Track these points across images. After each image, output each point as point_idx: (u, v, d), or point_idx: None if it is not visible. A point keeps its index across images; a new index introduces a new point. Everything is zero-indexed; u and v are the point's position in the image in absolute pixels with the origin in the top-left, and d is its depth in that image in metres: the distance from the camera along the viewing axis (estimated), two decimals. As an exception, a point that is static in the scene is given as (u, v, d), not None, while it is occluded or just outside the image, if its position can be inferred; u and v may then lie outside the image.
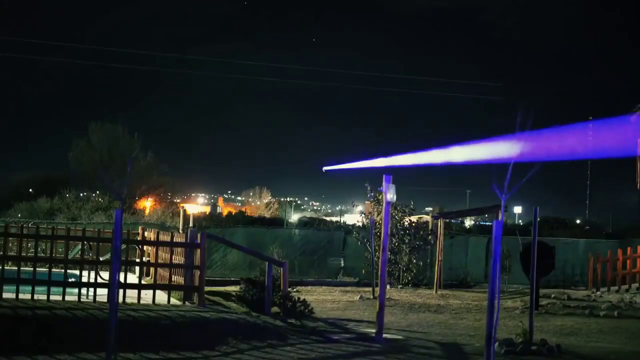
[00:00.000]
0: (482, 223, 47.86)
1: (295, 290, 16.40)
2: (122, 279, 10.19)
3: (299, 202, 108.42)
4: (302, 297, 12.45)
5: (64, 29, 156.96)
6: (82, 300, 10.09)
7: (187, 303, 10.80)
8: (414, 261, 20.14)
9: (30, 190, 40.22)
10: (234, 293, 13.48)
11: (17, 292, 9.80)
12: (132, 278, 11.42)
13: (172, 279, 11.34)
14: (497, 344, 9.28)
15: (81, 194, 37.08)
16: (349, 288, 19.15)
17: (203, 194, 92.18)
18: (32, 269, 10.22)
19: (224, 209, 73.04)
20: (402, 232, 20.12)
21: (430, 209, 50.20)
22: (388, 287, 17.73)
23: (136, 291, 10.48)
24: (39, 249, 11.95)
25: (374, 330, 10.38)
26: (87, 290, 10.46)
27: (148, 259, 13.21)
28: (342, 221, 48.68)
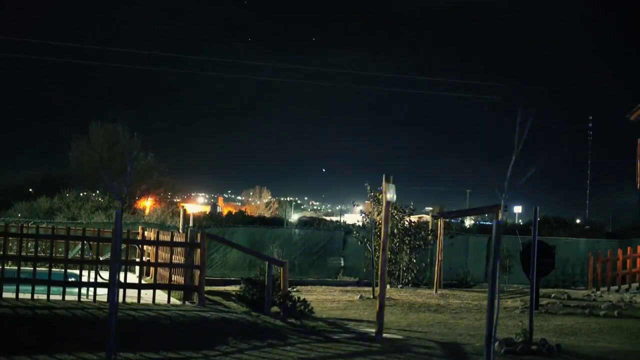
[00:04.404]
0: (482, 223, 47.86)
1: (295, 289, 16.40)
2: (122, 279, 10.20)
3: (299, 201, 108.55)
4: (302, 297, 12.45)
5: (65, 29, 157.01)
6: (82, 299, 10.08)
7: (187, 303, 10.80)
8: (414, 261, 20.15)
9: (30, 190, 40.20)
10: (234, 293, 13.48)
11: (17, 292, 9.79)
12: (132, 278, 11.42)
13: (172, 279, 11.34)
14: (497, 343, 9.28)
15: (81, 194, 37.08)
16: (349, 288, 19.15)
17: (203, 194, 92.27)
18: (32, 268, 10.21)
19: (224, 208, 73.01)
20: (402, 232, 20.13)
21: (430, 208, 50.19)
22: (388, 286, 17.74)
23: (136, 291, 10.47)
24: (39, 248, 11.95)
25: (374, 330, 10.38)
26: (87, 290, 10.46)
27: (148, 258, 13.21)
28: (342, 221, 48.72)
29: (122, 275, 10.18)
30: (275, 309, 11.89)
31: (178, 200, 50.29)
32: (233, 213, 51.59)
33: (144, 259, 13.16)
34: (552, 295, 17.29)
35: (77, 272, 11.43)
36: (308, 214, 76.46)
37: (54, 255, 10.76)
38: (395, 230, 19.90)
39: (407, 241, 20.12)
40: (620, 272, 19.56)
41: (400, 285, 19.74)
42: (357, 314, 13.41)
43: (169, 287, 11.04)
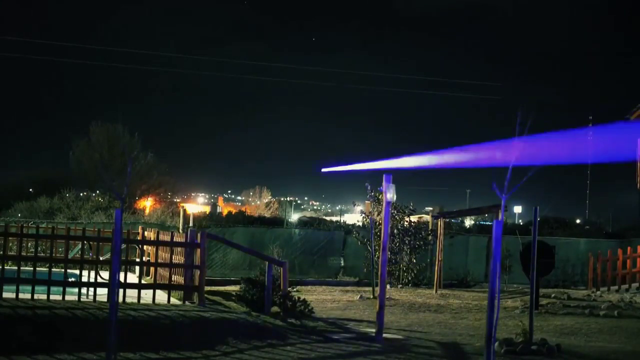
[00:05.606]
0: (482, 223, 47.80)
1: (295, 289, 16.40)
2: (122, 279, 10.19)
3: (299, 201, 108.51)
4: (302, 297, 12.45)
5: (66, 28, 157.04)
6: (82, 299, 10.08)
7: (187, 303, 10.80)
8: (414, 261, 20.15)
9: (30, 190, 40.20)
10: (234, 293, 13.48)
11: (17, 292, 9.80)
12: (132, 278, 11.42)
13: (172, 279, 11.34)
14: (497, 343, 9.28)
15: (81, 194, 37.07)
16: (349, 288, 19.15)
17: (203, 194, 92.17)
18: (32, 268, 10.22)
19: (224, 208, 73.00)
20: (402, 232, 20.13)
21: (430, 208, 50.23)
22: (388, 286, 17.75)
23: (136, 291, 10.48)
24: (39, 248, 11.95)
25: (374, 330, 10.38)
26: (87, 290, 10.46)
27: (148, 258, 13.20)
28: (342, 221, 48.68)
29: (122, 275, 10.18)
30: (275, 309, 11.88)
31: (178, 200, 50.28)
32: (233, 213, 51.64)
33: (144, 259, 13.16)
34: (552, 295, 17.28)
35: (77, 272, 11.43)
36: (308, 214, 76.40)
37: (54, 255, 10.76)
38: (395, 231, 19.90)
39: (407, 241, 20.11)
40: (620, 272, 19.56)
41: (400, 285, 19.73)
42: (357, 314, 13.40)
43: (169, 287, 11.04)
